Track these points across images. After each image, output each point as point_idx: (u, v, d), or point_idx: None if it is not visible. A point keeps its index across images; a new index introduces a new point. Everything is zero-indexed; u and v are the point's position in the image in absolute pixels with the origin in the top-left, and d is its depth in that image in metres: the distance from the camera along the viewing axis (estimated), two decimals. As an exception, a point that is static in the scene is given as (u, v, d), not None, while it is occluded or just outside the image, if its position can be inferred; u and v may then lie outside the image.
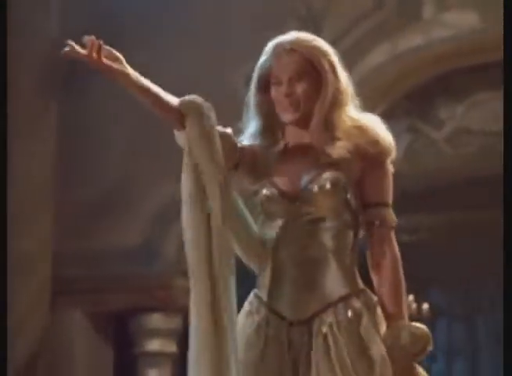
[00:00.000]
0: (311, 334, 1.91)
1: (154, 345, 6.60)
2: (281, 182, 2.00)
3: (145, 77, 1.94)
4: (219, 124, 1.98)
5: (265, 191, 2.00)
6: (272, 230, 2.00)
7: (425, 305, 7.44)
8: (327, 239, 1.97)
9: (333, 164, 1.97)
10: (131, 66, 1.93)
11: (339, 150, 1.98)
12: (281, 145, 2.07)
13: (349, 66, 6.78)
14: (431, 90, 6.14)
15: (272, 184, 2.01)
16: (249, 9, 6.16)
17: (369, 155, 1.98)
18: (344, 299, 1.95)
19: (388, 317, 1.94)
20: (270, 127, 2.06)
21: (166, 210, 6.28)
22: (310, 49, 2.02)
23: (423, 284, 6.87)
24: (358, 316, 1.92)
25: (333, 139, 2.00)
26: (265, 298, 1.98)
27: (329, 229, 1.97)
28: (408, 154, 6.24)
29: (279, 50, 2.03)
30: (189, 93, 2.04)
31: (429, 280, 6.57)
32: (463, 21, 5.93)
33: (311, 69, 2.01)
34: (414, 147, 6.37)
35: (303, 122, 2.02)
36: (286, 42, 2.03)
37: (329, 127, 2.01)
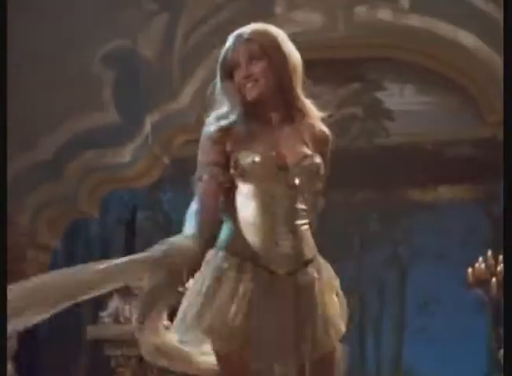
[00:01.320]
0: (297, 285, 2.25)
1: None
2: (274, 151, 2.27)
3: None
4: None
5: (256, 158, 2.24)
6: (256, 195, 2.27)
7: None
8: (303, 205, 2.30)
9: (314, 144, 2.34)
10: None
11: (311, 130, 2.36)
12: (250, 122, 2.32)
13: (205, 52, 7.13)
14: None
15: (262, 152, 2.26)
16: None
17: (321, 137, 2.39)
18: (315, 258, 2.32)
19: None
20: (237, 107, 2.31)
21: (20, 182, 6.32)
22: (264, 37, 2.33)
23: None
24: (322, 271, 2.33)
25: (302, 116, 2.35)
26: (248, 253, 2.24)
27: (307, 198, 2.31)
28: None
29: (237, 40, 2.34)
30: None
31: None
32: (310, 20, 6.44)
33: (266, 53, 2.30)
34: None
35: (266, 100, 2.31)
36: (243, 33, 2.34)
37: (295, 103, 2.34)
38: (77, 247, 8.70)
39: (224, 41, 7.08)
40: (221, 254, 2.27)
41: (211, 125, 2.32)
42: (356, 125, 7.44)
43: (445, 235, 9.99)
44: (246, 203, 2.28)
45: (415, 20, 6.41)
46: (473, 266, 8.24)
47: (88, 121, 6.29)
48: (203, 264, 2.28)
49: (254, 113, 2.34)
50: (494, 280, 7.99)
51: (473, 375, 9.56)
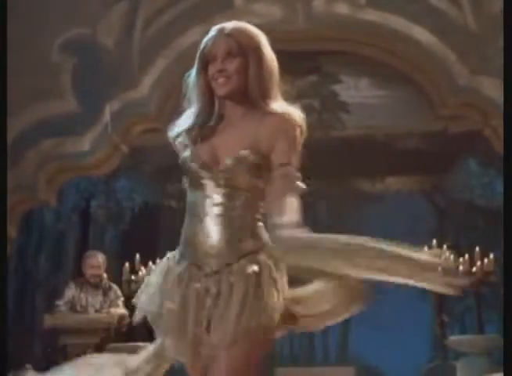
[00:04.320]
0: (221, 282, 2.25)
1: None
2: (202, 153, 2.35)
3: None
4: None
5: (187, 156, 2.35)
6: (195, 192, 2.35)
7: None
8: (240, 201, 2.32)
9: (272, 139, 2.31)
10: None
11: (271, 126, 2.33)
12: (216, 118, 2.39)
13: (165, 42, 7.12)
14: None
15: (196, 155, 2.35)
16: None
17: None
18: (252, 253, 2.29)
19: None
20: (207, 102, 2.37)
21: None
22: (243, 35, 2.34)
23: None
24: (263, 267, 2.27)
25: (265, 112, 2.35)
26: (184, 251, 2.34)
27: (242, 193, 2.32)
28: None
29: (218, 34, 2.35)
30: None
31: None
32: (269, 12, 6.51)
33: (243, 51, 2.33)
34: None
35: (237, 97, 2.35)
36: (225, 28, 2.36)
37: (264, 99, 2.35)
38: (31, 235, 8.63)
39: (183, 31, 7.08)
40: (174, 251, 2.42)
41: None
42: (313, 117, 7.57)
43: (391, 225, 10.21)
44: (187, 201, 2.37)
45: (371, 15, 6.54)
46: (418, 255, 8.44)
47: (47, 109, 6.25)
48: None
49: (216, 108, 2.38)
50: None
51: (417, 360, 9.81)
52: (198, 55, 2.38)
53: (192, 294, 2.27)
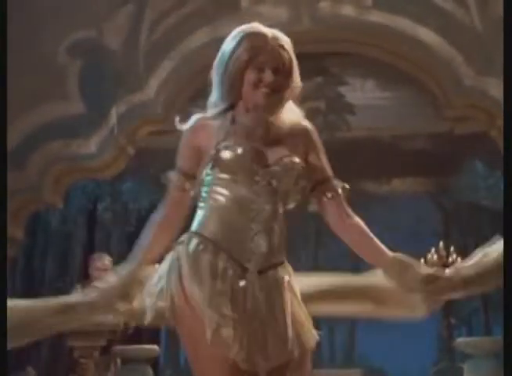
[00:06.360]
0: (269, 282, 2.23)
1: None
2: (253, 147, 2.28)
3: None
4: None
5: (237, 151, 2.25)
6: (233, 189, 2.26)
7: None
8: (279, 207, 2.30)
9: (294, 143, 2.36)
10: None
11: (290, 130, 2.37)
12: (230, 118, 2.32)
13: (171, 44, 7.14)
14: (244, 74, 6.64)
15: (243, 146, 2.26)
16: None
17: None
18: (283, 263, 2.32)
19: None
20: (231, 98, 2.32)
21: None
22: (291, 50, 2.31)
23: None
24: (292, 278, 2.32)
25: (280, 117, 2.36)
26: (223, 244, 2.23)
27: (281, 200, 2.31)
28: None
29: (272, 42, 2.27)
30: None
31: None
32: (275, 14, 6.51)
33: (291, 68, 2.30)
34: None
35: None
36: (278, 38, 2.29)
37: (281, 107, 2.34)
38: (38, 237, 8.65)
39: (190, 33, 7.02)
40: (196, 238, 2.26)
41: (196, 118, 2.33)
42: (319, 119, 7.58)
43: (397, 226, 10.22)
44: (224, 195, 2.26)
45: (377, 17, 6.53)
46: (425, 257, 8.45)
47: (53, 111, 6.26)
48: (177, 244, 2.29)
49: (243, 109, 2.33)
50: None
51: (424, 362, 9.80)
52: (244, 54, 2.26)
53: (240, 291, 2.20)
